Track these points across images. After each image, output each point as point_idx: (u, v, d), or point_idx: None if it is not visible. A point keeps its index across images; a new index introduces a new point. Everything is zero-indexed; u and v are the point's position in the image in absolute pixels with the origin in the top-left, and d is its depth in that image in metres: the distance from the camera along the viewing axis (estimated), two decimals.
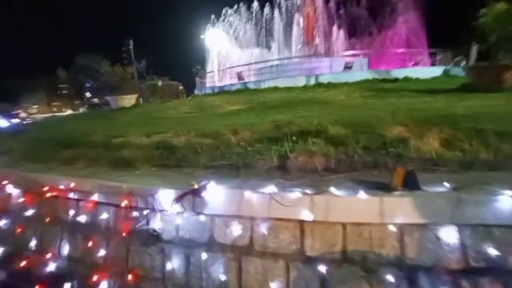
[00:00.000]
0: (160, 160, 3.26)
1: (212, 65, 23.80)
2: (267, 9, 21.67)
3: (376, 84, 11.80)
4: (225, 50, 23.42)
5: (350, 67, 13.70)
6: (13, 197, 3.20)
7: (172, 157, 3.26)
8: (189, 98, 17.60)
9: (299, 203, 1.89)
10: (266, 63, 16.50)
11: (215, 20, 22.22)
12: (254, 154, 2.94)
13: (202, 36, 27.11)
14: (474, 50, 15.68)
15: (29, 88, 50.35)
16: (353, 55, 15.62)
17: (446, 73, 15.09)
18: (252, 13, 22.75)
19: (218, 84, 17.20)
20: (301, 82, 13.35)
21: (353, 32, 20.91)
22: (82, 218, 2.70)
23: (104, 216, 2.57)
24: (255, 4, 21.83)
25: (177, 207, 2.20)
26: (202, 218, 2.19)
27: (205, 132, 3.88)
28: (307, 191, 1.93)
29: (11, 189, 3.22)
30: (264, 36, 23.67)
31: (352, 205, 1.85)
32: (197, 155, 3.23)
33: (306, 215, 1.88)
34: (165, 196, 2.27)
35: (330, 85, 12.49)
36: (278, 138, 3.23)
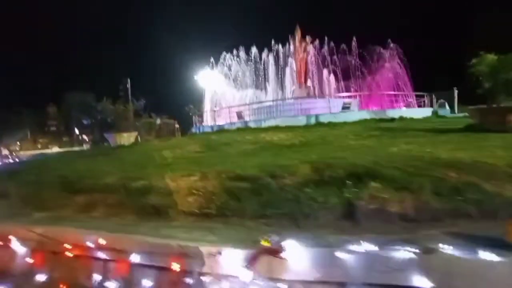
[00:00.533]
0: (197, 208, 2.88)
1: (208, 104, 24.31)
2: (263, 54, 23.11)
3: (376, 124, 12.15)
4: (221, 90, 24.24)
5: (348, 107, 14.26)
6: (18, 257, 2.61)
7: (211, 205, 2.89)
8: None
9: (409, 265, 1.56)
10: (264, 103, 16.98)
11: (213, 63, 23.34)
12: (309, 201, 2.65)
13: (195, 77, 28.26)
14: (455, 93, 17.06)
15: (13, 123, 48.91)
16: (348, 97, 16.43)
17: (435, 113, 16.13)
18: (249, 56, 24.13)
19: (217, 122, 17.31)
20: (301, 121, 13.61)
21: (343, 75, 22.35)
22: (112, 285, 2.17)
23: (145, 282, 2.07)
24: (253, 50, 23.31)
25: (249, 272, 1.78)
26: (281, 285, 1.77)
27: (238, 174, 3.59)
28: (414, 249, 1.61)
29: (16, 246, 2.65)
30: (258, 78, 24.84)
31: (483, 270, 1.52)
32: (239, 202, 2.89)
33: (422, 281, 1.53)
34: (231, 257, 1.87)
35: (331, 125, 12.74)
36: (326, 182, 2.99)
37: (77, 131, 64.59)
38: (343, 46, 19.41)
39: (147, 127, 20.05)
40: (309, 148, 6.53)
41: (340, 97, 16.62)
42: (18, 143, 47.18)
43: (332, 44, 22.15)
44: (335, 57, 22.08)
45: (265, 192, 3.00)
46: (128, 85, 23.41)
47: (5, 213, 3.32)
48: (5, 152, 38.82)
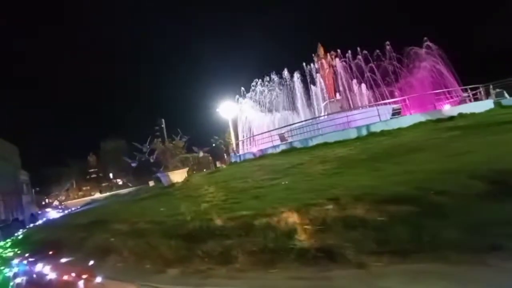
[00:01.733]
0: (375, 245, 2.24)
1: (241, 132, 24.40)
2: (288, 76, 23.29)
3: (439, 125, 11.09)
4: (252, 117, 24.39)
5: (398, 113, 13.27)
6: None
7: (389, 238, 2.25)
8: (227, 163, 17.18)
9: None
10: (304, 122, 16.51)
11: (244, 91, 23.82)
12: None
13: (217, 110, 29.03)
14: None
15: (60, 175, 52.80)
16: (394, 102, 15.46)
17: (499, 104, 14.52)
18: (274, 81, 24.38)
19: (258, 148, 16.99)
20: (352, 134, 12.78)
21: (376, 83, 21.53)
22: None
23: None
24: (279, 74, 23.62)
25: None
26: None
27: (392, 195, 2.93)
28: None
29: None
30: (288, 101, 24.76)
31: None
32: (419, 229, 2.22)
33: None
34: None
35: (386, 133, 11.81)
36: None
37: (111, 176, 68.42)
38: (377, 52, 18.79)
39: (191, 162, 20.25)
40: (397, 159, 5.75)
41: (385, 104, 15.65)
42: (66, 192, 50.46)
43: (360, 53, 21.78)
44: (363, 66, 21.56)
45: (451, 213, 2.31)
46: (163, 125, 24.34)
47: (133, 272, 2.91)
48: (55, 203, 41.29)
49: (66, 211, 13.40)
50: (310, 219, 2.95)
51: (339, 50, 23.46)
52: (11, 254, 5.35)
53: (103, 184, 60.23)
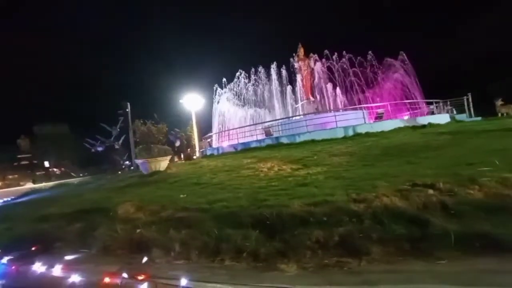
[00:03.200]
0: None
1: (216, 125, 23.37)
2: (271, 73, 23.10)
3: (420, 130, 12.07)
4: (228, 110, 23.54)
5: (381, 117, 14.10)
6: None
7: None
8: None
9: None
10: (294, 118, 16.46)
11: (226, 83, 22.83)
12: None
13: (181, 101, 27.45)
14: (470, 99, 17.80)
15: None
16: (376, 107, 16.43)
17: (454, 119, 16.60)
18: (253, 77, 23.96)
19: (239, 141, 16.29)
20: (339, 134, 13.12)
21: (350, 88, 22.77)
22: None
23: None
24: (257, 70, 23.32)
25: None
26: None
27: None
28: None
29: None
30: (265, 98, 24.58)
31: None
32: None
33: None
34: None
35: (371, 134, 12.41)
36: None
37: (47, 164, 59.23)
38: (358, 58, 19.78)
39: (155, 151, 18.43)
40: (418, 155, 5.88)
41: (364, 108, 16.53)
42: None
43: (338, 58, 22.72)
44: (341, 71, 22.58)
45: None
46: (128, 109, 21.84)
47: (225, 271, 2.12)
48: None
49: None
50: (418, 203, 2.61)
51: (316, 54, 24.16)
52: None
53: (38, 173, 51.52)
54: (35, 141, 61.39)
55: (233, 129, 18.37)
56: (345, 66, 22.52)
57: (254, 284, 1.81)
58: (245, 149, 14.50)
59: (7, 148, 52.70)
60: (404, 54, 19.12)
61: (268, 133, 14.94)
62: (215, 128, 22.42)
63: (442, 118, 15.56)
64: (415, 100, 17.72)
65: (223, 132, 20.23)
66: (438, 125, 13.58)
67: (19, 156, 55.84)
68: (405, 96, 20.12)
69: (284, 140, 13.84)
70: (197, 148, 27.16)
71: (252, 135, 16.59)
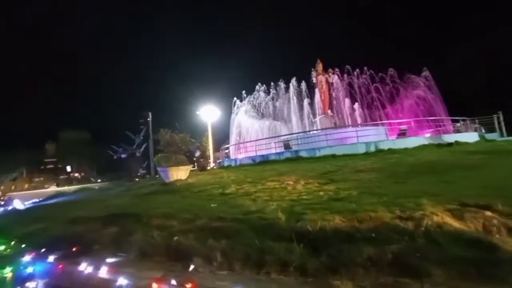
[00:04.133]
0: None
1: (234, 137, 23.62)
2: (290, 87, 23.33)
3: (446, 148, 11.60)
4: (245, 122, 23.81)
5: (404, 133, 13.72)
6: None
7: None
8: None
9: None
10: (309, 133, 16.35)
11: (245, 95, 23.27)
12: None
13: (197, 112, 28.07)
14: (501, 117, 17.03)
15: (7, 163, 46.00)
16: (398, 123, 16.04)
17: (483, 137, 15.85)
18: (272, 91, 24.28)
19: (258, 153, 16.29)
20: (360, 149, 12.86)
21: (368, 104, 22.45)
22: None
23: None
24: (280, 84, 23.67)
25: None
26: None
27: None
28: None
29: None
30: (283, 111, 24.73)
31: None
32: None
33: None
34: None
35: (394, 151, 12.05)
36: None
37: (68, 169, 61.60)
38: (379, 74, 19.61)
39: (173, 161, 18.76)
40: (451, 173, 5.60)
41: (385, 124, 16.18)
42: (12, 182, 43.82)
43: (357, 74, 22.64)
44: (361, 86, 22.42)
45: None
46: (149, 118, 22.60)
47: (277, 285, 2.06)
48: None
49: (18, 204, 11.17)
50: (476, 224, 2.45)
51: (336, 69, 24.25)
52: (1, 248, 4.00)
53: (61, 177, 53.67)
54: (60, 146, 64.38)
55: (251, 141, 18.44)
56: (365, 81, 22.40)
57: None
58: (264, 162, 14.47)
59: (35, 152, 55.66)
60: (427, 70, 18.74)
61: (287, 146, 14.87)
62: (232, 140, 22.63)
63: (470, 137, 14.91)
64: (440, 118, 17.13)
65: (240, 144, 20.35)
66: (467, 143, 13.00)
67: (45, 160, 58.58)
68: (427, 113, 19.56)
69: (304, 154, 13.71)
70: (211, 159, 27.47)
71: (270, 148, 16.56)
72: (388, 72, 19.31)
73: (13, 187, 40.10)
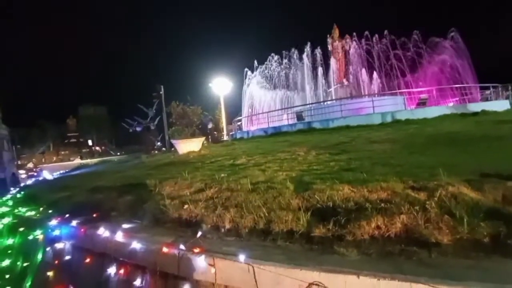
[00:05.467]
0: None
1: (246, 108, 23.39)
2: (304, 55, 22.18)
3: (471, 118, 10.90)
4: (257, 93, 23.31)
5: (424, 103, 12.98)
6: None
7: None
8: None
9: None
10: (323, 104, 15.84)
11: (257, 66, 22.48)
12: None
13: (210, 84, 27.49)
14: None
15: (34, 136, 48.85)
16: (419, 92, 15.12)
17: None
18: (285, 59, 23.24)
19: (270, 125, 16.17)
20: (376, 120, 12.38)
21: (390, 72, 21.12)
22: None
23: None
24: (294, 52, 22.53)
25: None
26: None
27: None
28: None
29: None
30: (296, 81, 23.82)
31: None
32: None
33: None
34: None
35: (411, 121, 11.52)
36: None
37: (90, 143, 64.72)
38: (401, 39, 18.10)
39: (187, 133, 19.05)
40: (474, 144, 5.28)
41: (404, 93, 15.29)
42: (41, 155, 46.90)
43: (376, 40, 21.03)
44: (380, 53, 20.94)
45: None
46: (162, 91, 22.61)
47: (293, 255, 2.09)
48: (29, 165, 38.45)
49: (47, 175, 12.00)
50: (495, 195, 2.32)
51: (354, 34, 22.61)
52: (32, 213, 4.35)
53: (83, 150, 56.74)
54: (80, 121, 67.10)
55: (263, 112, 18.22)
56: (385, 47, 20.85)
57: (318, 266, 1.75)
58: (276, 133, 14.39)
59: (58, 127, 58.54)
60: (456, 32, 16.99)
61: (300, 118, 14.59)
62: (244, 112, 22.46)
63: (500, 105, 13.87)
64: (466, 85, 15.90)
65: (253, 116, 20.18)
66: (495, 112, 12.14)
67: (68, 134, 61.66)
68: (453, 81, 18.17)
69: (317, 125, 13.46)
70: (224, 131, 27.65)
71: (282, 119, 16.33)
72: (412, 36, 17.71)
73: (43, 160, 42.99)
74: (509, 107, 14.21)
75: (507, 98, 16.25)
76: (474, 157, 4.13)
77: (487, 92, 15.47)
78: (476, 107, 12.90)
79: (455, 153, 4.67)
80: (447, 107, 12.73)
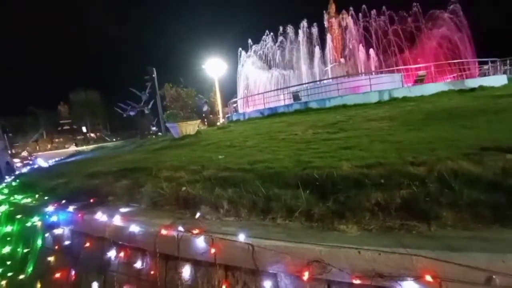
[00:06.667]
0: None
1: (241, 89, 22.92)
2: (299, 33, 21.42)
3: (468, 94, 10.83)
4: (253, 74, 22.74)
5: (421, 80, 12.80)
6: None
7: None
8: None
9: None
10: (320, 83, 15.56)
11: (251, 45, 21.71)
12: None
13: (203, 66, 26.62)
14: None
15: (26, 125, 47.94)
16: (416, 69, 14.87)
17: None
18: (281, 38, 22.48)
19: (267, 106, 15.94)
20: (373, 98, 12.24)
21: (386, 48, 20.62)
22: None
23: None
24: (288, 30, 21.74)
25: None
26: None
27: None
28: None
29: None
30: (291, 59, 23.20)
31: None
32: None
33: None
34: None
35: (410, 99, 11.40)
36: None
37: (84, 129, 63.74)
38: (397, 13, 17.45)
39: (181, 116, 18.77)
40: (472, 119, 5.24)
41: (401, 70, 15.01)
42: (35, 143, 46.31)
43: (374, 15, 20.29)
44: (378, 29, 20.30)
45: None
46: (154, 74, 21.96)
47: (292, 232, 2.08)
48: (24, 153, 37.98)
49: (42, 163, 11.87)
50: (494, 168, 2.30)
51: (351, 10, 21.79)
52: (28, 200, 4.30)
53: (78, 137, 56.05)
54: (72, 107, 65.57)
55: (259, 94, 17.88)
56: (383, 23, 20.18)
57: (319, 243, 1.74)
58: (273, 114, 14.22)
59: (50, 114, 57.25)
60: (456, 4, 16.39)
61: (296, 98, 14.36)
62: (240, 93, 22.04)
63: (497, 80, 13.72)
64: (464, 60, 15.63)
65: (248, 97, 19.84)
66: (492, 87, 12.06)
67: (61, 121, 60.45)
68: (451, 57, 17.83)
69: (313, 105, 13.28)
70: (220, 114, 27.29)
71: (279, 100, 16.11)
72: (412, 9, 17.07)
73: (37, 148, 42.48)
74: (506, 82, 14.08)
75: (504, 73, 16.10)
76: (472, 131, 4.11)
77: (485, 67, 15.27)
78: (473, 82, 12.76)
79: (453, 129, 4.64)
80: (444, 84, 12.57)
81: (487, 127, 4.27)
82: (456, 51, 17.53)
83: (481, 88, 12.10)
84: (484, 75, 14.84)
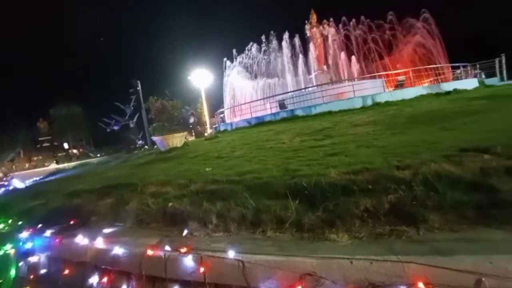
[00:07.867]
0: None
1: (228, 99, 22.98)
2: (283, 43, 21.91)
3: (445, 97, 11.34)
4: (239, 84, 22.91)
5: (402, 85, 13.31)
6: None
7: None
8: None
9: None
10: (305, 90, 15.85)
11: (236, 55, 21.94)
12: None
13: (188, 77, 26.64)
14: (503, 60, 16.40)
15: (4, 143, 45.53)
16: (396, 74, 15.48)
17: (483, 83, 15.47)
18: (265, 48, 22.90)
19: (254, 115, 15.99)
20: (357, 104, 12.58)
21: (367, 55, 21.42)
22: None
23: None
24: (272, 40, 22.19)
25: None
26: None
27: None
28: None
29: None
30: (276, 69, 23.61)
31: None
32: None
33: None
34: None
35: (391, 103, 11.80)
36: None
37: (66, 146, 61.39)
38: (375, 22, 18.27)
39: (167, 129, 18.50)
40: (453, 121, 5.46)
41: (383, 76, 15.60)
42: (10, 163, 43.94)
43: (353, 24, 21.14)
44: (358, 37, 21.11)
45: None
46: (139, 87, 21.69)
47: (290, 245, 2.01)
48: None
49: (18, 183, 11.27)
50: (473, 169, 2.38)
51: (331, 19, 22.61)
52: (0, 227, 4.01)
53: (59, 154, 53.81)
54: (52, 123, 63.27)
55: (245, 103, 17.96)
56: (362, 32, 21.02)
57: (310, 255, 1.70)
58: (260, 123, 14.28)
59: (28, 131, 54.85)
60: (428, 13, 17.40)
61: (282, 106, 14.52)
62: (226, 103, 22.06)
63: (469, 84, 14.50)
64: (439, 65, 16.47)
65: (235, 107, 19.89)
66: (465, 90, 12.71)
67: (40, 138, 58.01)
68: (427, 62, 18.76)
69: (299, 113, 13.46)
70: (208, 125, 27.13)
71: (265, 109, 16.22)
72: (388, 17, 17.94)
73: (14, 167, 40.36)
74: (477, 85, 14.90)
75: (475, 76, 17.03)
76: (452, 133, 4.27)
77: (458, 71, 16.14)
78: (448, 86, 13.41)
79: (434, 131, 4.81)
80: (423, 88, 13.15)
81: (464, 129, 4.46)
82: (431, 56, 18.46)
83: (456, 91, 12.72)
84: (457, 78, 15.65)
